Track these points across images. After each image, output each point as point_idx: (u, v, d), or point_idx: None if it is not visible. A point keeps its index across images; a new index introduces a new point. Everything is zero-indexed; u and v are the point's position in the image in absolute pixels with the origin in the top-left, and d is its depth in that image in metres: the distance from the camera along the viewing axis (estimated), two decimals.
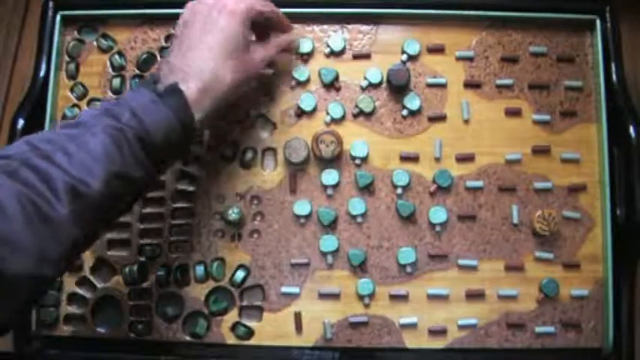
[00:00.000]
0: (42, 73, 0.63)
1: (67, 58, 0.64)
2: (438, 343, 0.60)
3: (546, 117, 0.62)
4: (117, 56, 0.64)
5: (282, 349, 0.60)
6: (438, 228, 0.61)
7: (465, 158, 0.62)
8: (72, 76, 0.64)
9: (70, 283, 0.61)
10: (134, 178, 0.46)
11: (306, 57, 0.64)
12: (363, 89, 0.63)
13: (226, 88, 0.52)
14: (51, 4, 0.64)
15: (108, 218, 0.48)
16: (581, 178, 0.62)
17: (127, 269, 0.60)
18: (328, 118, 0.62)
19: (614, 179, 0.61)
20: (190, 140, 0.51)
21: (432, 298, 0.60)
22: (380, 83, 0.63)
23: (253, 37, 0.58)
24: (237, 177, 0.62)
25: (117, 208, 0.48)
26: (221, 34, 0.52)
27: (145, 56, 0.64)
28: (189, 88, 0.50)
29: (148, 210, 0.61)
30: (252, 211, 0.61)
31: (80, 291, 0.61)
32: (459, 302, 0.60)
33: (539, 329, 0.60)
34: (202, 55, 0.51)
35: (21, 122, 0.60)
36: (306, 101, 0.62)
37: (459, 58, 0.63)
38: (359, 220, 0.61)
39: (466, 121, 0.63)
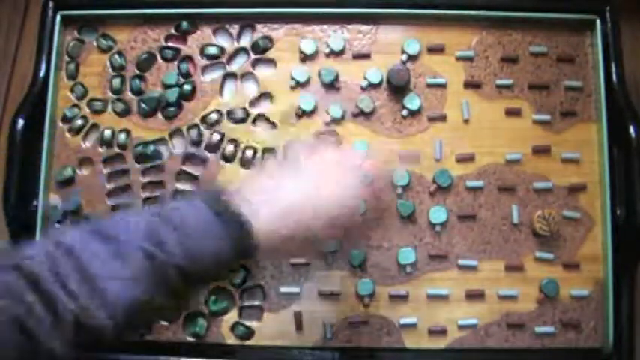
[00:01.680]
0: (42, 73, 0.63)
1: (67, 58, 0.64)
2: (438, 343, 0.60)
3: (546, 117, 0.62)
4: (117, 56, 0.64)
5: (282, 349, 0.60)
6: (438, 228, 0.61)
7: (465, 158, 0.62)
8: (72, 76, 0.64)
9: None
10: (161, 304, 0.41)
11: (306, 57, 0.63)
12: (363, 89, 0.63)
13: (305, 232, 0.44)
14: (51, 4, 0.64)
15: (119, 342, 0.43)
16: (581, 178, 0.62)
17: None
18: (328, 118, 0.62)
19: (614, 179, 0.61)
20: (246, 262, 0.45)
21: (432, 298, 0.60)
22: (380, 83, 0.63)
23: None
24: (237, 177, 0.62)
25: (134, 334, 0.44)
26: (340, 190, 0.45)
27: (145, 56, 0.64)
28: (261, 213, 0.43)
29: None
30: None
31: None
32: (459, 302, 0.60)
33: (539, 329, 0.60)
34: (299, 189, 0.45)
35: (21, 122, 0.60)
36: (306, 101, 0.62)
37: (459, 58, 0.63)
38: None
39: (466, 121, 0.63)
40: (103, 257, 0.39)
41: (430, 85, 0.63)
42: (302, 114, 0.63)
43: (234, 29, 0.65)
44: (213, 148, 0.62)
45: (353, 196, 0.46)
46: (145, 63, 0.64)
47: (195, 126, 0.63)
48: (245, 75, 0.64)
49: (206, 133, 0.63)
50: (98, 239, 0.40)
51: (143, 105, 0.63)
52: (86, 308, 0.37)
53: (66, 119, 0.63)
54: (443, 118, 0.63)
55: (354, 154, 0.49)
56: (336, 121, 0.63)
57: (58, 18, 0.64)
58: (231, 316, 0.60)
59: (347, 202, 0.46)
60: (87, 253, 0.39)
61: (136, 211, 0.44)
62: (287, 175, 0.46)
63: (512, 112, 0.63)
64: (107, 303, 0.38)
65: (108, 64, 0.64)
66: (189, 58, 0.64)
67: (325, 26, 0.64)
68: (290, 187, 0.45)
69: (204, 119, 0.63)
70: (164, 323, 0.60)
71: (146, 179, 0.62)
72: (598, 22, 0.63)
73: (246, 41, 0.65)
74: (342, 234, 0.48)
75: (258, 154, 0.62)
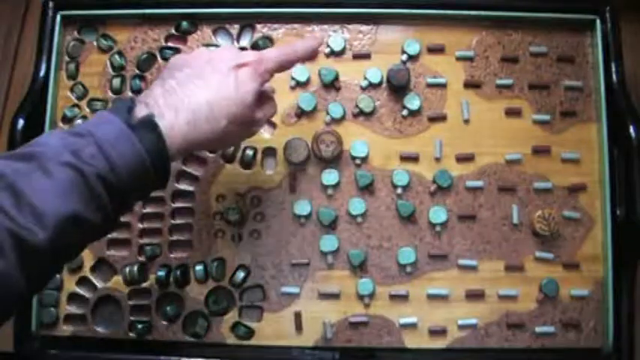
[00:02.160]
0: (42, 73, 0.63)
1: (67, 58, 0.65)
2: (438, 343, 0.60)
3: (546, 117, 0.62)
4: (117, 56, 0.64)
5: (282, 349, 0.60)
6: (438, 228, 0.61)
7: (465, 158, 0.62)
8: (72, 76, 0.64)
9: (70, 283, 0.61)
10: (91, 222, 0.41)
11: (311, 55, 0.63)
12: (363, 89, 0.63)
13: (216, 135, 0.46)
14: (51, 4, 0.64)
15: (57, 265, 0.43)
16: (581, 178, 0.62)
17: (127, 269, 0.60)
18: (328, 118, 0.62)
19: (614, 179, 0.61)
20: (163, 179, 0.45)
21: (432, 298, 0.60)
22: (380, 83, 0.63)
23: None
24: (237, 177, 0.62)
25: (69, 254, 0.43)
26: (235, 83, 0.47)
27: (145, 56, 0.64)
28: (169, 122, 0.44)
29: (147, 210, 0.61)
30: (252, 211, 0.61)
31: (80, 291, 0.61)
32: (459, 302, 0.60)
33: (539, 329, 0.60)
34: (201, 90, 0.46)
35: (21, 122, 0.60)
36: (306, 101, 0.62)
37: (459, 58, 0.63)
38: (359, 220, 0.61)
39: (466, 121, 0.63)
40: (28, 174, 0.39)
41: (430, 85, 0.63)
42: (302, 114, 0.63)
43: (234, 29, 0.65)
44: None
45: (248, 94, 0.47)
46: (145, 63, 0.64)
47: None
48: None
49: None
50: (19, 159, 0.40)
51: None
52: (19, 223, 0.37)
53: (66, 119, 0.63)
54: (443, 118, 0.63)
55: (247, 53, 0.50)
56: (336, 121, 0.63)
57: (58, 18, 0.64)
58: (231, 316, 0.60)
59: (244, 99, 0.47)
60: (12, 172, 0.39)
61: (51, 132, 0.44)
62: (189, 80, 0.46)
63: (512, 112, 0.63)
64: (38, 216, 0.38)
65: (108, 64, 0.64)
66: None
67: (325, 26, 0.64)
68: (189, 92, 0.45)
69: None
70: (164, 323, 0.60)
71: None
72: (598, 22, 0.63)
73: (246, 41, 0.65)
74: (244, 133, 0.51)
75: (259, 154, 0.62)
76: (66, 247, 0.40)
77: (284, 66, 0.52)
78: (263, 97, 0.52)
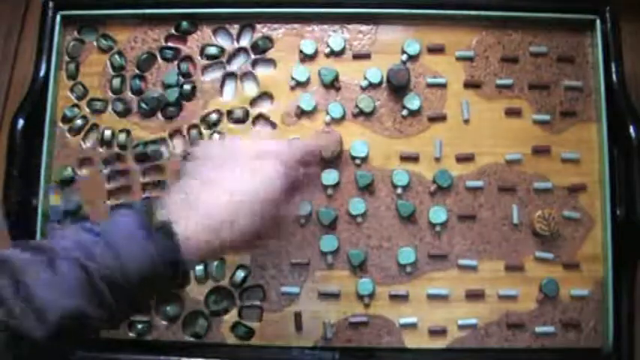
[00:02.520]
0: (42, 73, 0.63)
1: (67, 58, 0.64)
2: (438, 343, 0.60)
3: (546, 117, 0.62)
4: (117, 56, 0.64)
5: (282, 349, 0.60)
6: (438, 228, 0.61)
7: (465, 158, 0.62)
8: (72, 76, 0.64)
9: None
10: (95, 319, 0.40)
11: (306, 57, 0.63)
12: (363, 89, 0.63)
13: (238, 238, 0.44)
14: (51, 4, 0.64)
15: (59, 357, 0.42)
16: (581, 178, 0.62)
17: None
18: (328, 118, 0.62)
19: (614, 179, 0.61)
20: (179, 284, 0.44)
21: (432, 298, 0.60)
22: (380, 83, 0.63)
23: None
24: None
25: (70, 346, 0.42)
26: (258, 180, 0.44)
27: (144, 56, 0.64)
28: (188, 228, 0.42)
29: None
30: None
31: None
32: (459, 302, 0.60)
33: (539, 329, 0.60)
34: (220, 192, 0.44)
35: (21, 122, 0.60)
36: (306, 101, 0.62)
37: (459, 58, 0.63)
38: (359, 220, 0.61)
39: (466, 121, 0.63)
40: (36, 266, 0.39)
41: (430, 85, 0.63)
42: (302, 114, 0.63)
43: (234, 29, 0.65)
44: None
45: (273, 189, 0.45)
46: (145, 63, 0.64)
47: (195, 126, 0.63)
48: (245, 75, 0.64)
49: (206, 133, 0.63)
50: (30, 251, 0.40)
51: (143, 105, 0.63)
52: (17, 316, 0.37)
53: (66, 119, 0.63)
54: (443, 118, 0.63)
55: (270, 144, 0.48)
56: (336, 121, 0.63)
57: (58, 18, 0.64)
58: (231, 316, 0.60)
59: (269, 196, 0.45)
60: (20, 262, 0.39)
61: (67, 227, 0.43)
62: (210, 180, 0.45)
63: (512, 112, 0.63)
64: (39, 311, 0.37)
65: (108, 64, 0.64)
66: (189, 58, 0.64)
67: (325, 26, 0.64)
68: (214, 193, 0.44)
69: (204, 119, 0.63)
70: (164, 323, 0.60)
71: (146, 179, 0.62)
72: (598, 22, 0.63)
73: (246, 41, 0.65)
74: (272, 230, 0.47)
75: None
76: (65, 342, 0.40)
77: (308, 163, 0.50)
78: (295, 186, 0.48)
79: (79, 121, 0.63)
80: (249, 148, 0.47)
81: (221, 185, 0.44)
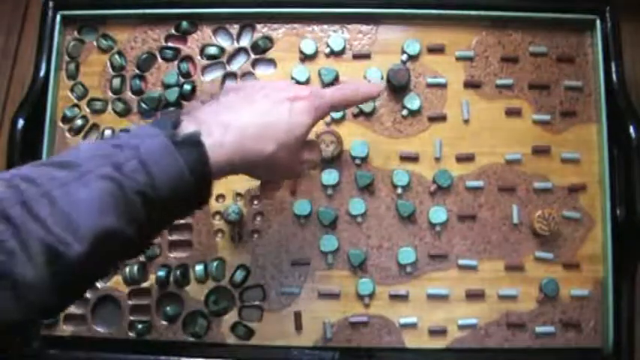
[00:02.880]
0: (42, 73, 0.63)
1: (67, 58, 0.65)
2: (438, 343, 0.60)
3: (546, 117, 0.62)
4: (117, 56, 0.64)
5: (282, 349, 0.60)
6: (438, 228, 0.61)
7: (465, 158, 0.62)
8: (72, 76, 0.64)
9: None
10: (127, 238, 0.39)
11: (306, 57, 0.63)
12: None
13: (262, 159, 0.44)
14: (51, 4, 0.64)
15: (90, 281, 0.42)
16: (581, 178, 0.62)
17: (127, 269, 0.60)
18: (328, 118, 0.62)
19: (614, 179, 0.61)
20: (202, 201, 0.44)
21: (432, 298, 0.60)
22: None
23: None
24: (237, 177, 0.61)
25: (103, 269, 0.42)
26: (289, 114, 0.45)
27: (144, 56, 0.64)
28: (215, 140, 0.42)
29: None
30: (252, 211, 0.61)
31: None
32: (459, 302, 0.60)
33: (539, 329, 0.60)
34: (252, 112, 0.44)
35: (21, 122, 0.60)
36: None
37: (459, 58, 0.63)
38: (359, 220, 0.61)
39: (466, 121, 0.63)
40: (67, 184, 0.37)
41: (430, 85, 0.63)
42: None
43: (234, 29, 0.65)
44: None
45: (302, 125, 0.46)
46: (145, 63, 0.64)
47: None
48: (245, 75, 0.64)
49: None
50: (57, 168, 0.38)
51: (143, 105, 0.63)
52: (55, 235, 0.36)
53: (66, 119, 0.63)
54: (443, 118, 0.63)
55: (303, 88, 0.48)
56: (336, 121, 0.63)
57: (58, 18, 0.64)
58: (231, 316, 0.60)
59: (296, 128, 0.45)
60: (49, 181, 0.37)
61: (89, 141, 0.43)
62: (237, 100, 0.45)
63: (512, 112, 0.63)
64: (75, 229, 0.36)
65: (108, 64, 0.64)
66: (189, 58, 0.64)
67: (325, 26, 0.64)
68: (241, 112, 0.44)
69: None
70: (164, 323, 0.60)
71: None
72: (598, 22, 0.63)
73: (246, 41, 0.65)
74: (293, 163, 0.48)
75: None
76: (101, 261, 0.39)
77: (341, 105, 0.50)
78: (310, 143, 0.50)
79: (79, 121, 0.63)
80: (282, 87, 0.47)
81: (250, 109, 0.44)
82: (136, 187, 0.38)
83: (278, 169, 0.46)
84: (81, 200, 0.37)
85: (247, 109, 0.44)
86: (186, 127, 0.42)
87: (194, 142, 0.41)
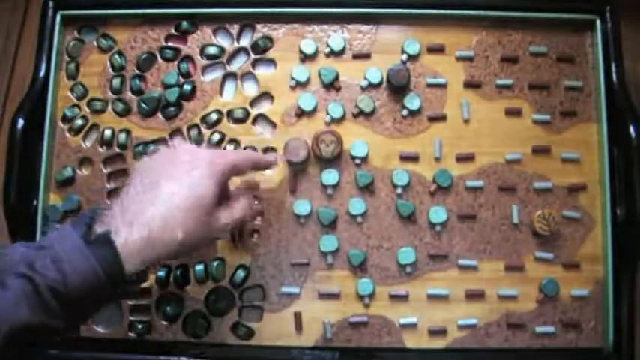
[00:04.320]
0: (42, 73, 0.63)
1: (67, 58, 0.65)
2: (438, 343, 0.60)
3: (546, 117, 0.62)
4: (117, 56, 0.64)
5: (282, 349, 0.60)
6: (438, 228, 0.61)
7: (465, 158, 0.62)
8: (72, 76, 0.64)
9: None
10: (45, 329, 0.42)
11: (306, 57, 0.63)
12: (363, 89, 0.63)
13: (173, 247, 0.46)
14: (51, 4, 0.64)
15: None
16: (581, 178, 0.62)
17: None
18: (328, 118, 0.62)
19: (614, 179, 0.61)
20: (119, 292, 0.46)
21: (432, 298, 0.60)
22: (380, 83, 0.63)
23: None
24: (237, 177, 0.62)
25: (23, 355, 0.44)
26: (188, 188, 0.47)
27: (144, 56, 0.64)
28: (124, 238, 0.44)
29: None
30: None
31: None
32: (459, 302, 0.60)
33: (539, 329, 0.60)
34: (155, 203, 0.46)
35: (21, 122, 0.60)
36: (306, 101, 0.62)
37: (459, 58, 0.63)
38: (359, 220, 0.61)
39: (466, 121, 0.63)
40: None
41: (430, 85, 0.63)
42: (302, 114, 0.63)
43: (234, 29, 0.65)
44: (213, 148, 0.62)
45: (204, 196, 0.47)
46: (145, 63, 0.64)
47: (195, 126, 0.63)
48: (245, 75, 0.64)
49: (206, 133, 0.63)
50: None
51: (143, 105, 0.63)
52: None
53: (66, 119, 0.63)
54: (443, 118, 0.63)
55: (203, 152, 0.50)
56: (336, 121, 0.63)
57: (58, 18, 0.64)
58: (231, 316, 0.60)
59: (199, 201, 0.47)
60: None
61: (17, 243, 0.47)
62: (145, 192, 0.47)
63: (512, 112, 0.63)
64: None
65: (108, 64, 0.64)
66: (189, 58, 0.64)
67: (325, 26, 0.64)
68: (145, 204, 0.46)
69: (204, 119, 0.63)
70: (164, 323, 0.60)
71: None
72: (598, 22, 0.63)
73: (246, 41, 0.65)
74: (205, 239, 0.49)
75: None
76: (16, 353, 0.42)
77: (243, 165, 0.52)
78: (230, 200, 0.52)
79: (79, 121, 0.63)
80: (185, 156, 0.49)
81: (154, 198, 0.46)
82: (47, 283, 0.41)
83: (194, 246, 0.48)
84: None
85: (150, 198, 0.46)
86: (99, 227, 0.45)
87: (105, 241, 0.44)
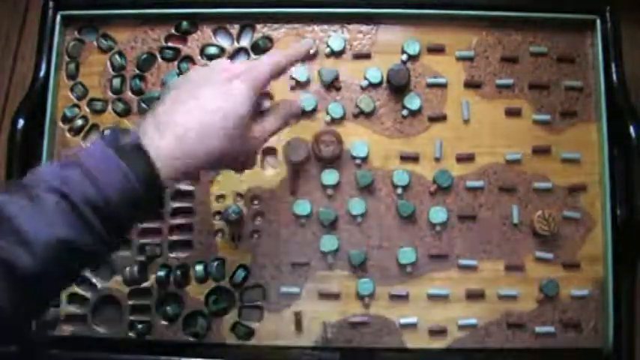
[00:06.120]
0: (42, 73, 0.63)
1: (67, 58, 0.65)
2: (438, 343, 0.60)
3: (546, 117, 0.62)
4: (117, 56, 0.64)
5: (282, 349, 0.60)
6: (438, 228, 0.61)
7: (465, 158, 0.62)
8: (72, 76, 0.64)
9: None
10: (84, 246, 0.40)
11: (306, 57, 0.63)
12: (363, 89, 0.63)
13: (209, 156, 0.45)
14: (51, 4, 0.64)
15: (52, 291, 0.43)
16: (581, 178, 0.62)
17: (127, 269, 0.60)
18: (328, 118, 0.62)
19: (614, 179, 0.61)
20: (156, 201, 0.44)
21: (432, 298, 0.60)
22: (380, 83, 0.63)
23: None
24: (237, 177, 0.62)
25: (64, 279, 0.43)
26: (227, 96, 0.46)
27: (144, 56, 0.64)
28: (156, 143, 0.43)
29: None
30: (252, 211, 0.61)
31: (80, 291, 0.61)
32: (459, 302, 0.60)
33: (539, 329, 0.60)
34: (192, 111, 0.44)
35: (21, 122, 0.60)
36: (306, 101, 0.62)
37: (459, 58, 0.63)
38: (359, 220, 0.61)
39: (466, 121, 0.63)
40: (17, 201, 0.39)
41: (430, 85, 0.63)
42: (302, 114, 0.63)
43: (234, 29, 0.65)
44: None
45: (241, 109, 0.46)
46: (145, 63, 0.64)
47: None
48: None
49: None
50: (9, 190, 0.40)
51: (143, 105, 0.63)
52: (7, 250, 0.37)
53: (66, 119, 0.63)
54: (443, 118, 0.63)
55: (237, 66, 0.49)
56: (336, 121, 0.63)
57: (58, 18, 0.64)
58: (231, 316, 0.60)
59: (238, 109, 0.46)
60: (1, 200, 0.39)
61: (46, 163, 0.44)
62: (181, 101, 0.46)
63: (512, 112, 0.63)
64: (27, 243, 0.38)
65: (108, 64, 0.64)
66: (189, 58, 0.64)
67: (325, 26, 0.64)
68: (184, 112, 0.45)
69: None
70: (164, 323, 0.60)
71: None
72: (598, 22, 0.63)
73: (246, 41, 0.65)
74: (240, 153, 0.48)
75: (259, 154, 0.62)
76: (59, 272, 0.40)
77: (277, 72, 0.51)
78: (264, 113, 0.51)
79: (79, 121, 0.63)
80: (217, 69, 0.48)
81: (191, 106, 0.45)
82: (83, 196, 0.40)
83: (230, 155, 0.47)
84: (31, 216, 0.39)
85: (186, 107, 0.45)
86: (129, 136, 0.43)
87: (135, 148, 0.42)
